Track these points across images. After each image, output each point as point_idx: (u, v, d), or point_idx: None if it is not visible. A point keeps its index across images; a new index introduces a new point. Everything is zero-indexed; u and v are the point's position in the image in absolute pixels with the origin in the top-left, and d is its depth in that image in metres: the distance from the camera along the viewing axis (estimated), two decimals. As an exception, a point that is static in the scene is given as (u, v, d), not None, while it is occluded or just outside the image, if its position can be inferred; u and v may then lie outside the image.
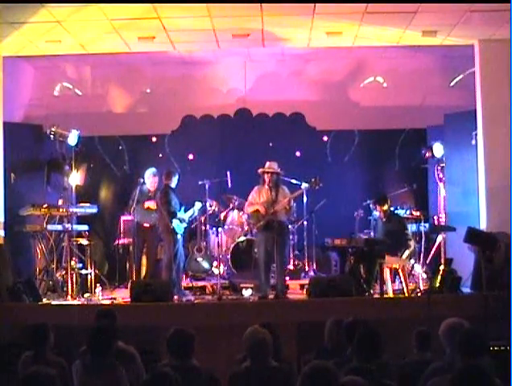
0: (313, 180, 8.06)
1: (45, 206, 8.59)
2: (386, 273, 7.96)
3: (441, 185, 9.65)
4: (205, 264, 9.44)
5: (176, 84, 10.48)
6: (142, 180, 8.94)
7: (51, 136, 9.15)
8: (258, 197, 8.01)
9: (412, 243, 8.21)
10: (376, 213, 8.76)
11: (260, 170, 8.01)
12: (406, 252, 8.05)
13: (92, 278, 8.73)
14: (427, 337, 4.73)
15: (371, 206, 9.30)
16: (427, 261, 9.09)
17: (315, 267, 9.34)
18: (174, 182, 8.43)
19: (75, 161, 9.27)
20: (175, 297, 7.77)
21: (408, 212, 9.12)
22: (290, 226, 9.35)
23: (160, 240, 8.67)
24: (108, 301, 7.95)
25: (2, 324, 6.87)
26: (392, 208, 8.63)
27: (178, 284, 8.26)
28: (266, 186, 7.95)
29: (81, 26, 7.81)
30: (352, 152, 10.57)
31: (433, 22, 7.90)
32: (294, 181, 8.41)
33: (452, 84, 9.84)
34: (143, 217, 8.87)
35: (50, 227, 8.69)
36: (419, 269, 8.91)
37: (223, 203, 9.68)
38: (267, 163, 8.00)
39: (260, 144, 10.35)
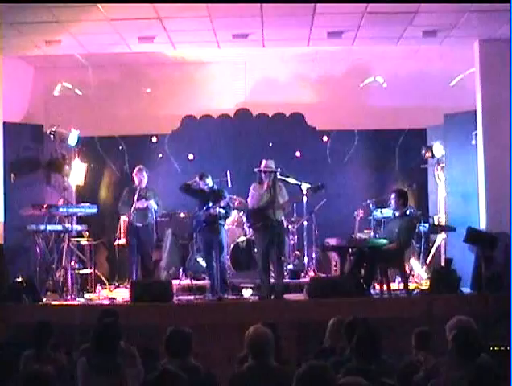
0: (316, 186, 8.05)
1: (45, 206, 8.58)
2: (386, 273, 7.96)
3: (441, 185, 9.65)
4: (205, 264, 9.41)
5: (176, 85, 10.47)
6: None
7: (51, 136, 9.16)
8: (258, 195, 7.94)
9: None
10: (384, 211, 8.77)
11: (256, 170, 7.94)
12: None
13: (92, 278, 8.74)
14: (427, 337, 4.73)
15: (371, 206, 9.31)
16: (427, 261, 9.09)
17: (315, 267, 9.34)
18: (207, 183, 8.33)
19: (75, 161, 9.26)
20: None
21: (408, 212, 9.11)
22: (290, 226, 9.37)
23: (160, 240, 8.63)
24: (108, 301, 7.96)
25: (2, 324, 6.87)
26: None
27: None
28: (265, 186, 7.90)
29: (81, 26, 7.82)
30: (352, 152, 10.54)
31: (433, 22, 7.91)
32: (294, 181, 8.39)
33: (452, 84, 9.83)
34: (136, 217, 8.71)
35: (50, 227, 8.69)
36: (419, 269, 8.91)
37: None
38: (263, 162, 7.91)
39: (260, 144, 10.32)
